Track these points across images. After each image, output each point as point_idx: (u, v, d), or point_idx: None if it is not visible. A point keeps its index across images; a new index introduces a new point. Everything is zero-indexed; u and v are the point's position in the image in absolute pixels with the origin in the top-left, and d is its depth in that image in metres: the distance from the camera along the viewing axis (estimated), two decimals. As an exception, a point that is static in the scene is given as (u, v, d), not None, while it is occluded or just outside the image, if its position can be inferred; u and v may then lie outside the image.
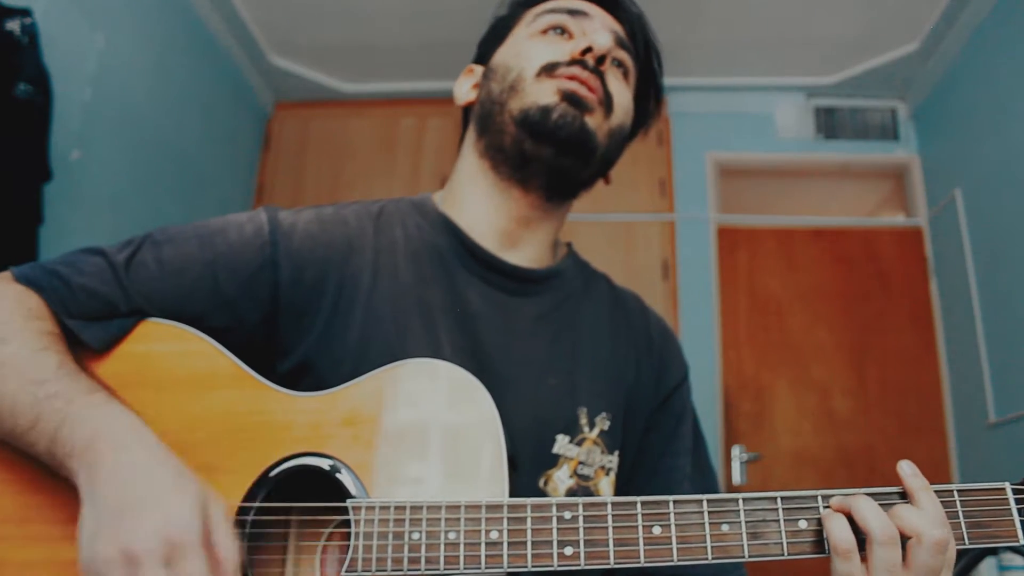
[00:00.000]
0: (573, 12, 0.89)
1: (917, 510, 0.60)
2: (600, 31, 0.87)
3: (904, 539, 0.59)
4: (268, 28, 3.31)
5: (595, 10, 0.91)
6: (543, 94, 0.83)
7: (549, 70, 0.84)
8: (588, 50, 0.85)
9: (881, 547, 0.59)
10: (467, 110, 0.97)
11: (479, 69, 0.95)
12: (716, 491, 0.93)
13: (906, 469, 0.63)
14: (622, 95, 0.90)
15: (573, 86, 0.83)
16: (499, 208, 0.89)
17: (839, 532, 0.60)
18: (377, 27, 3.23)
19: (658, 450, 0.92)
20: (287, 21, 3.24)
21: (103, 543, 0.58)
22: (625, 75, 0.92)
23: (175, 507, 0.59)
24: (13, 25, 1.86)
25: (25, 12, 1.91)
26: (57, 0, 2.17)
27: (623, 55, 0.91)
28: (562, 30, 0.89)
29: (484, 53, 0.96)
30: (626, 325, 0.95)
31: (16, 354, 0.68)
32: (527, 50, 0.87)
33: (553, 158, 0.84)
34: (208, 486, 0.64)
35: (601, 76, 0.86)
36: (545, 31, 0.89)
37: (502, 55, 0.90)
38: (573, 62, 0.84)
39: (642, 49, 0.95)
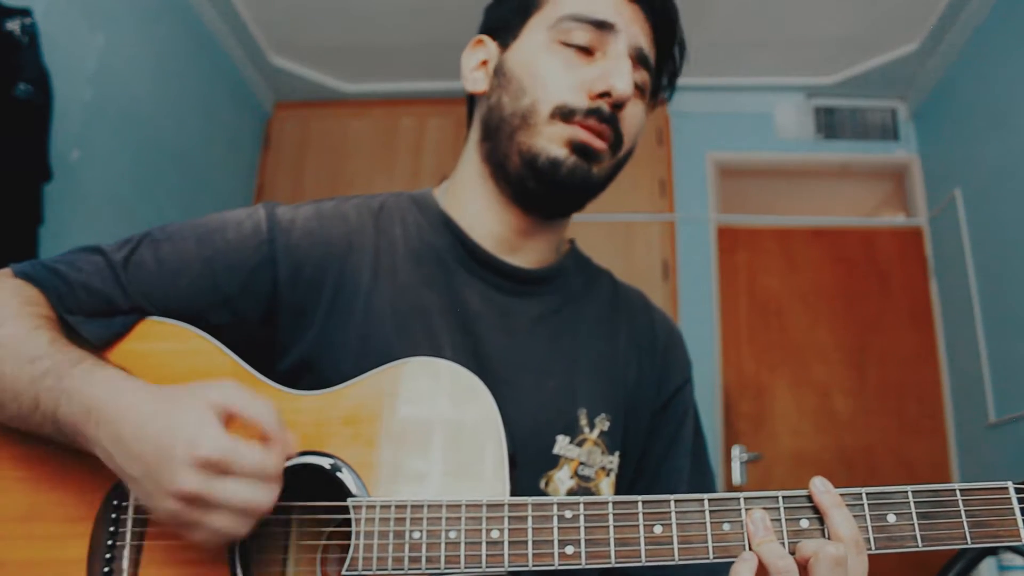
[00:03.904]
0: (600, 24, 0.82)
1: (817, 539, 0.60)
2: (621, 69, 0.81)
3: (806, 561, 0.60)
4: (268, 28, 3.31)
5: (624, 18, 0.84)
6: (553, 143, 0.81)
7: (564, 116, 0.81)
8: (607, 93, 0.81)
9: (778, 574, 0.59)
10: (472, 96, 0.93)
11: (492, 47, 0.90)
12: (713, 491, 0.93)
13: (818, 486, 0.62)
14: (634, 122, 0.86)
15: (584, 137, 0.81)
16: (499, 217, 0.88)
17: None
18: (377, 27, 3.23)
19: (660, 454, 0.91)
20: (287, 21, 3.24)
21: (160, 500, 0.60)
22: (642, 91, 0.88)
23: (187, 434, 0.59)
24: (13, 25, 1.86)
25: (25, 12, 1.91)
26: (57, 0, 2.17)
27: (642, 75, 0.86)
28: (586, 48, 0.83)
29: (499, 25, 0.90)
30: (628, 324, 0.94)
31: (12, 335, 0.68)
32: (545, 72, 0.82)
33: (554, 198, 0.85)
34: (198, 384, 0.64)
35: (616, 120, 0.83)
36: (567, 43, 0.83)
37: (518, 60, 0.85)
38: (590, 112, 0.81)
39: (667, 49, 0.90)
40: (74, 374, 0.66)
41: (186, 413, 0.61)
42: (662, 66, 0.90)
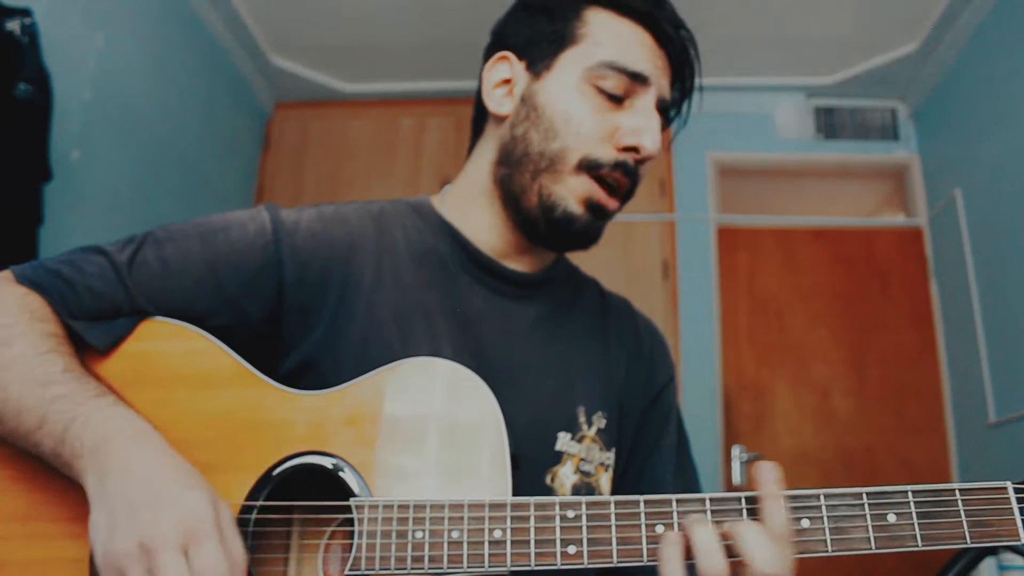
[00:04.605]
0: (635, 76, 0.83)
1: (757, 535, 0.59)
2: (652, 128, 0.82)
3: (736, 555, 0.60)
4: (268, 28, 3.31)
5: (657, 69, 0.85)
6: (572, 196, 0.83)
7: (591, 168, 0.82)
8: (635, 148, 0.82)
9: None
10: (484, 110, 0.92)
11: (518, 69, 0.88)
12: (698, 489, 0.96)
13: (765, 473, 0.62)
14: (646, 171, 0.88)
15: (602, 199, 0.83)
16: (500, 233, 0.89)
17: (672, 566, 0.60)
18: (377, 27, 3.23)
19: (647, 449, 0.94)
20: (287, 21, 3.24)
21: (120, 538, 0.59)
22: None
23: (190, 499, 0.60)
24: (13, 25, 1.86)
25: (25, 12, 1.90)
26: (57, 0, 2.17)
27: (661, 122, 0.87)
28: (620, 97, 0.83)
29: (527, 47, 0.88)
30: (616, 328, 0.97)
31: (22, 356, 0.68)
32: (578, 117, 0.82)
33: (559, 244, 0.88)
34: (213, 489, 0.64)
35: (637, 173, 0.85)
36: (600, 89, 0.83)
37: (551, 97, 0.84)
38: (616, 165, 0.82)
39: (681, 93, 0.91)
40: (99, 404, 0.66)
41: (197, 490, 0.62)
42: (673, 106, 0.92)
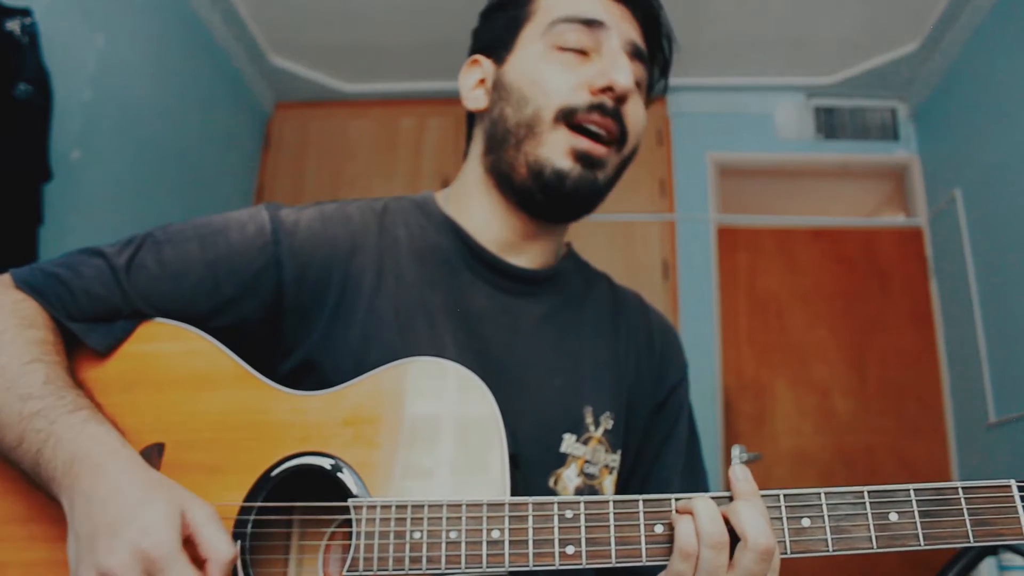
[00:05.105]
0: (589, 23, 0.84)
1: (753, 512, 0.60)
2: (619, 64, 0.82)
3: (734, 540, 0.60)
4: (268, 28, 3.30)
5: (613, 16, 0.86)
6: (558, 152, 0.82)
7: (567, 116, 0.82)
8: (609, 88, 0.82)
9: (708, 549, 0.59)
10: (471, 114, 0.94)
11: (487, 65, 0.91)
12: (706, 490, 0.94)
13: (737, 473, 0.64)
14: (636, 117, 0.87)
15: (586, 146, 0.82)
16: (504, 221, 0.89)
17: (686, 535, 0.60)
18: (377, 27, 3.23)
19: (655, 451, 0.93)
20: (287, 21, 3.23)
21: (84, 569, 0.58)
22: (638, 84, 0.88)
23: (145, 522, 0.58)
24: (13, 25, 1.86)
25: (25, 12, 1.90)
26: (57, 0, 2.16)
27: (639, 70, 0.87)
28: (581, 51, 0.84)
29: (491, 43, 0.91)
30: (627, 325, 0.95)
31: (6, 366, 0.68)
32: (544, 78, 0.83)
33: (561, 209, 0.86)
34: (188, 492, 0.63)
35: (620, 114, 0.84)
36: (563, 48, 0.84)
37: (517, 72, 0.86)
38: (593, 107, 0.82)
39: (657, 43, 0.91)
40: (70, 422, 0.65)
41: (157, 504, 0.59)
42: (653, 59, 0.92)
